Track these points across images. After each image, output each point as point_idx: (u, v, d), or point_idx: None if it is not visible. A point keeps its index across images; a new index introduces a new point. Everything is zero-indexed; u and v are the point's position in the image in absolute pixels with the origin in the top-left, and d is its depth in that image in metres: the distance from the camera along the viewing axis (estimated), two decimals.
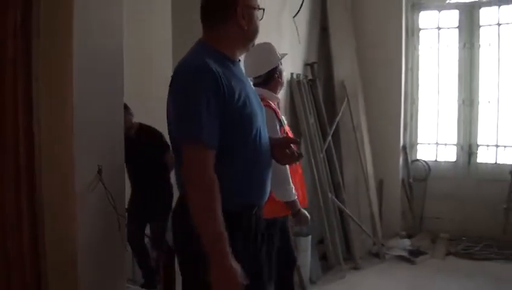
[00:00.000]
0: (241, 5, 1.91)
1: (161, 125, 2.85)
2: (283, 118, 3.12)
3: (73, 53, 2.18)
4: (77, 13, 2.20)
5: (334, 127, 5.14)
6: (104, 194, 2.45)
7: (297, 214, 2.99)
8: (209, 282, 1.75)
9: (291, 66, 4.57)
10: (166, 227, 3.93)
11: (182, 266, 2.02)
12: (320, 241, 4.88)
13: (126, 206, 3.05)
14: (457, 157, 5.97)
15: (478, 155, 5.86)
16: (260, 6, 1.99)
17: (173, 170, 2.70)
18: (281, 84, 3.19)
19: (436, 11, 6.00)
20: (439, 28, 6.01)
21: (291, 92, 4.68)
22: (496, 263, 5.03)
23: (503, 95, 5.73)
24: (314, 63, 5.18)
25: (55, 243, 2.28)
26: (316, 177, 4.66)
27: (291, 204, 2.96)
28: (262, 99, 2.91)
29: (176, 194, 2.02)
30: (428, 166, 5.95)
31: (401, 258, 5.15)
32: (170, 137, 1.97)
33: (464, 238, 5.54)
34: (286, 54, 3.23)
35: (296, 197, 2.96)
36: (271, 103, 3.04)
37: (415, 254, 5.13)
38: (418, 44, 6.08)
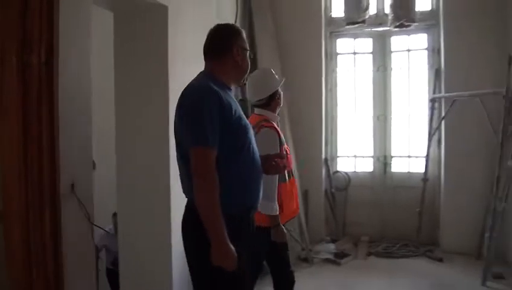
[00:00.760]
0: (237, 46, 2.38)
1: None
2: (282, 137, 3.26)
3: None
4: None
5: None
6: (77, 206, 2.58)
7: (275, 228, 3.08)
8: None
9: None
10: None
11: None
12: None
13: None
14: (374, 168, 6.28)
15: (392, 165, 6.21)
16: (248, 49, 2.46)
17: None
18: (280, 104, 3.36)
19: (352, 38, 6.34)
20: (355, 53, 6.36)
21: None
22: (411, 260, 5.43)
23: (412, 112, 6.17)
24: (244, 84, 5.46)
25: None
26: None
27: (272, 218, 3.06)
28: (265, 120, 3.20)
29: None
30: (348, 176, 6.21)
31: (327, 260, 5.40)
32: (177, 145, 2.31)
33: (383, 239, 5.89)
34: (284, 79, 3.42)
35: (277, 213, 3.05)
36: (273, 123, 3.24)
37: (339, 256, 5.39)
38: (336, 67, 6.38)
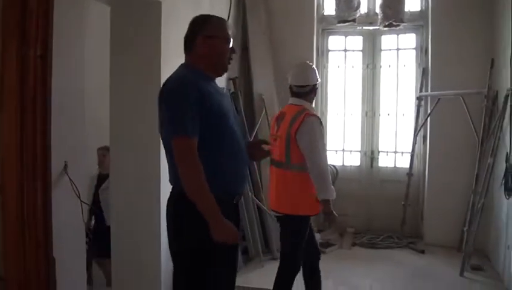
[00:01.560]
0: (201, 36, 2.38)
1: None
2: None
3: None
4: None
5: (254, 134, 5.45)
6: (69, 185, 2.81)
7: (330, 212, 3.30)
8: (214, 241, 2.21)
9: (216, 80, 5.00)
10: None
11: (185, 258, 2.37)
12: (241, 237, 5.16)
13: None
14: (361, 162, 6.43)
15: (379, 160, 6.37)
16: (224, 35, 2.43)
17: None
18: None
19: (343, 36, 6.48)
20: (345, 50, 6.49)
21: None
22: (395, 251, 5.63)
23: (400, 109, 6.32)
24: (236, 78, 5.46)
25: None
26: None
27: (326, 203, 3.29)
28: (304, 109, 3.44)
29: None
30: (336, 170, 6.30)
31: None
32: (162, 137, 2.38)
33: (368, 231, 6.06)
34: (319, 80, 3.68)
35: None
36: (312, 111, 3.48)
37: (325, 245, 5.50)
38: (327, 63, 6.51)
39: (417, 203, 6.18)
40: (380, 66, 6.39)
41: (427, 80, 5.99)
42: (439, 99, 5.61)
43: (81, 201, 2.90)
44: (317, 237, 5.73)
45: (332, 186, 3.32)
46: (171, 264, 2.49)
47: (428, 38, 5.94)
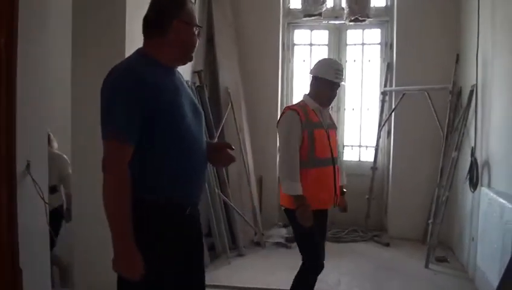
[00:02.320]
0: (178, 20, 1.99)
1: None
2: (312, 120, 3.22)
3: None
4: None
5: (220, 129, 5.37)
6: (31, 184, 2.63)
7: (300, 209, 3.06)
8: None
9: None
10: None
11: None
12: (207, 234, 5.09)
13: None
14: None
15: (344, 154, 6.31)
16: (197, 24, 2.08)
17: None
18: (321, 97, 3.27)
19: (308, 30, 6.49)
20: (311, 45, 6.51)
21: None
22: (360, 244, 5.70)
23: (365, 103, 6.39)
24: (201, 70, 5.37)
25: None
26: None
27: (295, 199, 3.08)
28: (296, 104, 3.31)
29: None
30: None
31: (278, 244, 5.55)
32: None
33: (333, 225, 5.99)
34: (341, 85, 3.33)
35: (301, 193, 3.08)
36: (296, 106, 3.25)
37: (290, 240, 5.45)
38: (293, 57, 6.52)
39: (381, 197, 6.26)
40: (346, 61, 6.42)
41: (391, 75, 6.04)
42: (403, 94, 5.67)
43: (45, 203, 2.73)
44: (284, 231, 5.81)
45: (294, 182, 3.11)
46: None
47: (393, 33, 6.00)
